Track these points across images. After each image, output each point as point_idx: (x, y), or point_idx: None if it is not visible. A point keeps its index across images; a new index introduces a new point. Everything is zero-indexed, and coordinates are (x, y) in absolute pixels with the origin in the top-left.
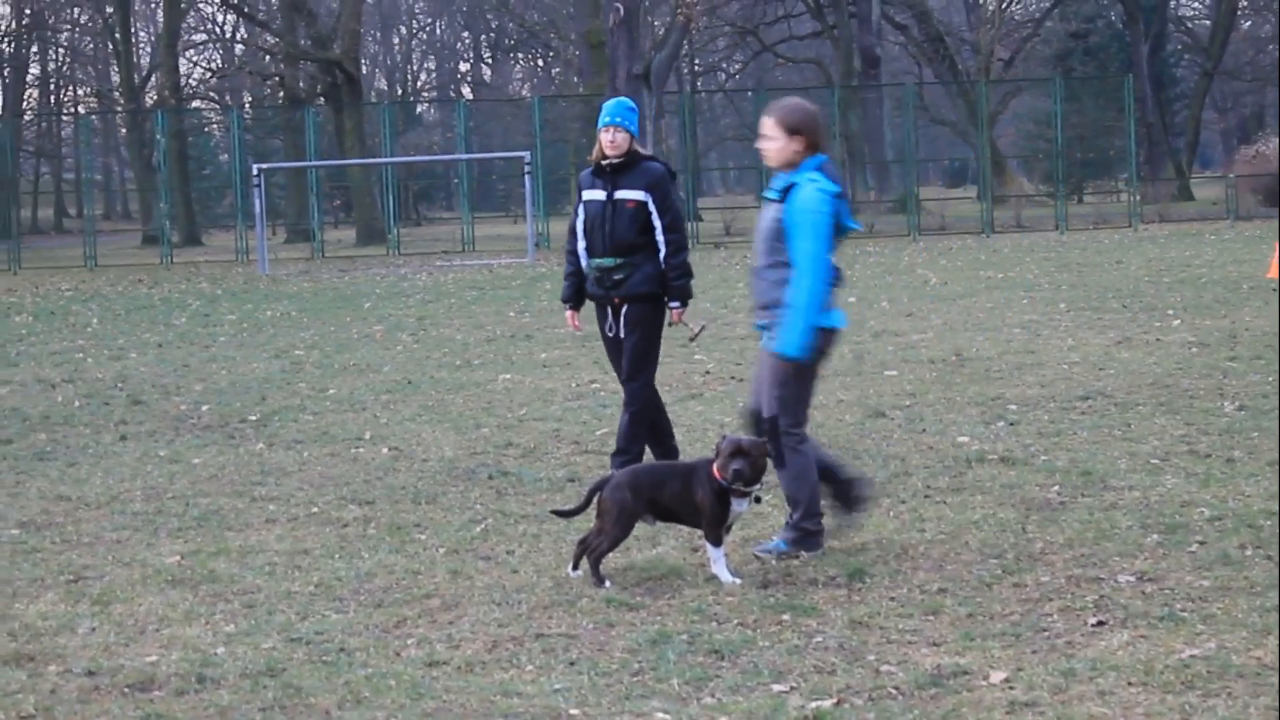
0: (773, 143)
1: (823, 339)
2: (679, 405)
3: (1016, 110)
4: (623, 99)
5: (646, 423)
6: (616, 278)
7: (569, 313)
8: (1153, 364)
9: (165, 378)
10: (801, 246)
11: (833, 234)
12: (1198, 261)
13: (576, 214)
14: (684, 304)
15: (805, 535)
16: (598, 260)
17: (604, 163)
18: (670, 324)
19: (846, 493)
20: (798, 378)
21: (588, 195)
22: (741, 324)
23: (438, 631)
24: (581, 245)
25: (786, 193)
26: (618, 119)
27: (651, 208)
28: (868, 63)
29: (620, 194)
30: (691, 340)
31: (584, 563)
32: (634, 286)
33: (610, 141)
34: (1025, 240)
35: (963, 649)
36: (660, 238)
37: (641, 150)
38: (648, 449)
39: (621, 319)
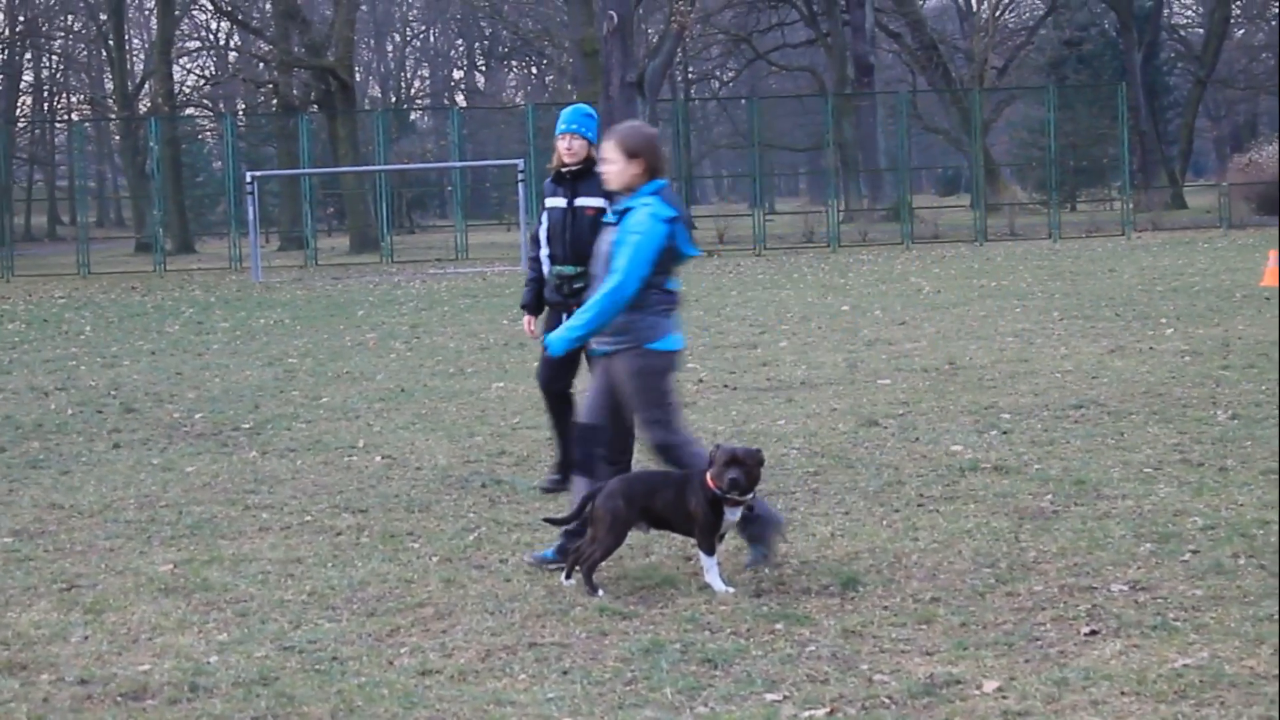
0: (612, 165)
1: (664, 361)
2: None
3: (1010, 118)
4: (580, 106)
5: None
6: (576, 285)
7: (527, 318)
8: (1146, 373)
9: (158, 385)
10: (619, 263)
11: (665, 258)
12: (1191, 270)
13: (540, 222)
14: None
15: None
16: (559, 268)
17: (563, 170)
18: None
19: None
20: (662, 394)
21: (549, 203)
22: (735, 332)
23: (431, 640)
24: (544, 253)
25: (624, 215)
26: (574, 126)
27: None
28: (861, 70)
29: (580, 201)
30: None
31: (577, 571)
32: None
33: (567, 149)
34: (1018, 248)
35: (956, 658)
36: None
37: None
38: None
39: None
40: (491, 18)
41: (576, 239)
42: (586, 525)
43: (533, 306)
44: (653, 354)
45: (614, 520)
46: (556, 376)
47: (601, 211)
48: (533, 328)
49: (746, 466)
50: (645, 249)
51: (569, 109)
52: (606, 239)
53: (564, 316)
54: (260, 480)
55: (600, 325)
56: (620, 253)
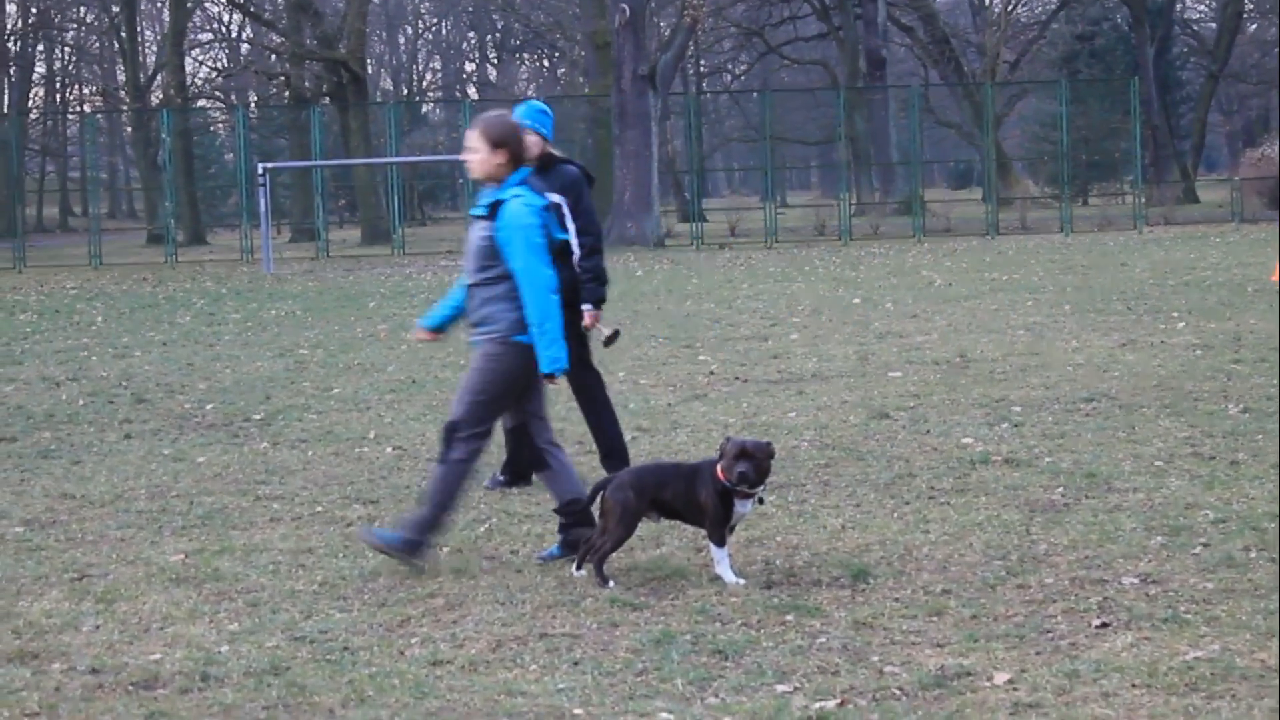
0: (476, 155)
1: (521, 356)
2: (683, 405)
3: (1022, 112)
4: (534, 102)
5: (610, 410)
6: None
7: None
8: (1157, 366)
9: (169, 376)
10: (518, 264)
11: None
12: (1202, 264)
13: None
14: (597, 306)
15: (411, 546)
16: None
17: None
18: (585, 328)
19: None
20: (498, 389)
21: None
22: (746, 325)
23: (441, 631)
24: None
25: (494, 209)
26: (529, 122)
27: (566, 210)
28: (873, 64)
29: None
30: (605, 345)
31: (588, 563)
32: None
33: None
34: (1030, 242)
35: (966, 650)
36: (574, 240)
37: (556, 153)
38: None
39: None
40: (503, 10)
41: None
42: (574, 517)
43: None
44: (515, 346)
45: (624, 511)
46: None
47: (556, 206)
48: None
49: (756, 460)
50: (534, 238)
51: (522, 105)
52: (477, 231)
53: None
54: (271, 471)
55: (555, 321)
56: (514, 253)
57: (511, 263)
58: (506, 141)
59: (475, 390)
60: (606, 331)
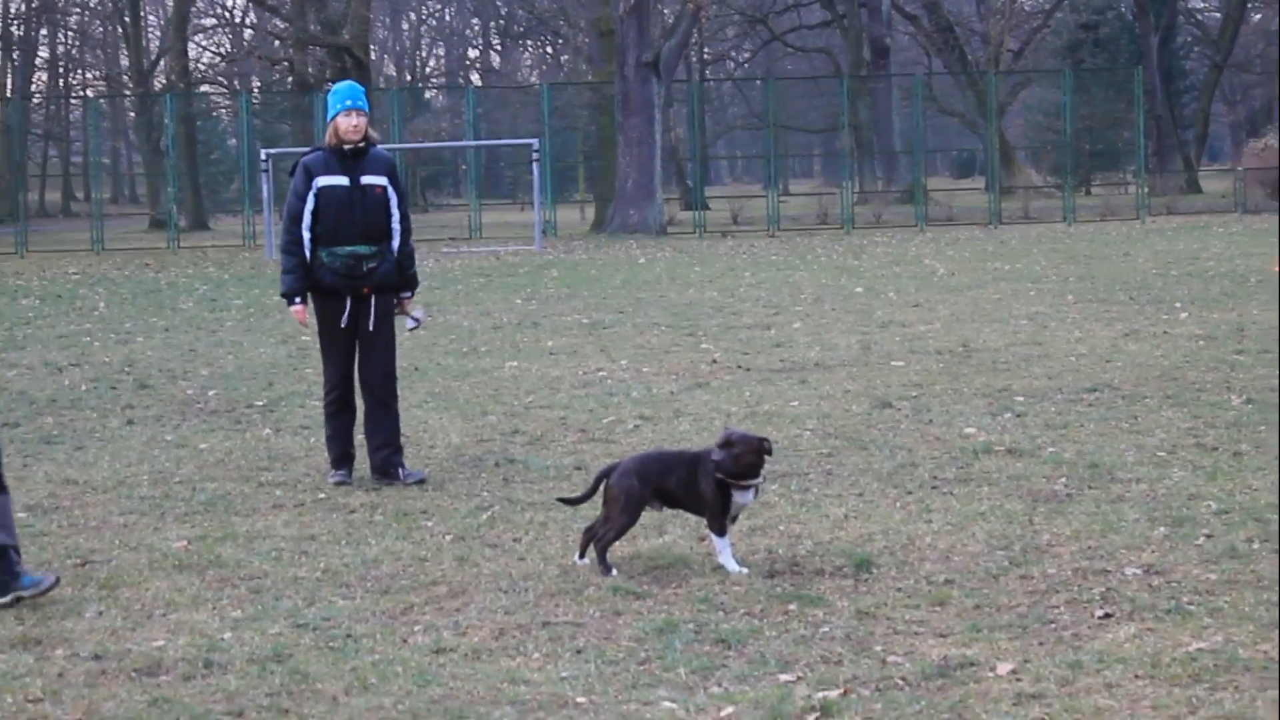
0: None
1: None
2: (685, 394)
3: (1025, 101)
4: (354, 83)
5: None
6: (369, 266)
7: (299, 307)
8: (1160, 357)
9: (172, 362)
10: None
11: None
12: (1205, 254)
13: (304, 201)
14: (412, 293)
15: None
16: (349, 248)
17: (346, 148)
18: (397, 313)
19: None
20: None
21: (326, 181)
22: (749, 313)
23: (444, 618)
24: (312, 234)
25: None
26: (359, 103)
27: (390, 194)
28: (877, 53)
29: (366, 179)
30: (411, 331)
31: (591, 551)
32: (385, 275)
33: (353, 126)
34: (1033, 232)
35: (969, 640)
36: (396, 225)
37: (374, 135)
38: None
39: (372, 310)
40: None
41: (369, 218)
42: None
43: (304, 294)
44: None
45: (628, 499)
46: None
47: (385, 190)
48: (306, 316)
49: (735, 451)
50: None
51: (345, 85)
52: None
53: (347, 301)
54: (274, 457)
55: None
56: None
57: None
58: None
59: None
60: (422, 316)
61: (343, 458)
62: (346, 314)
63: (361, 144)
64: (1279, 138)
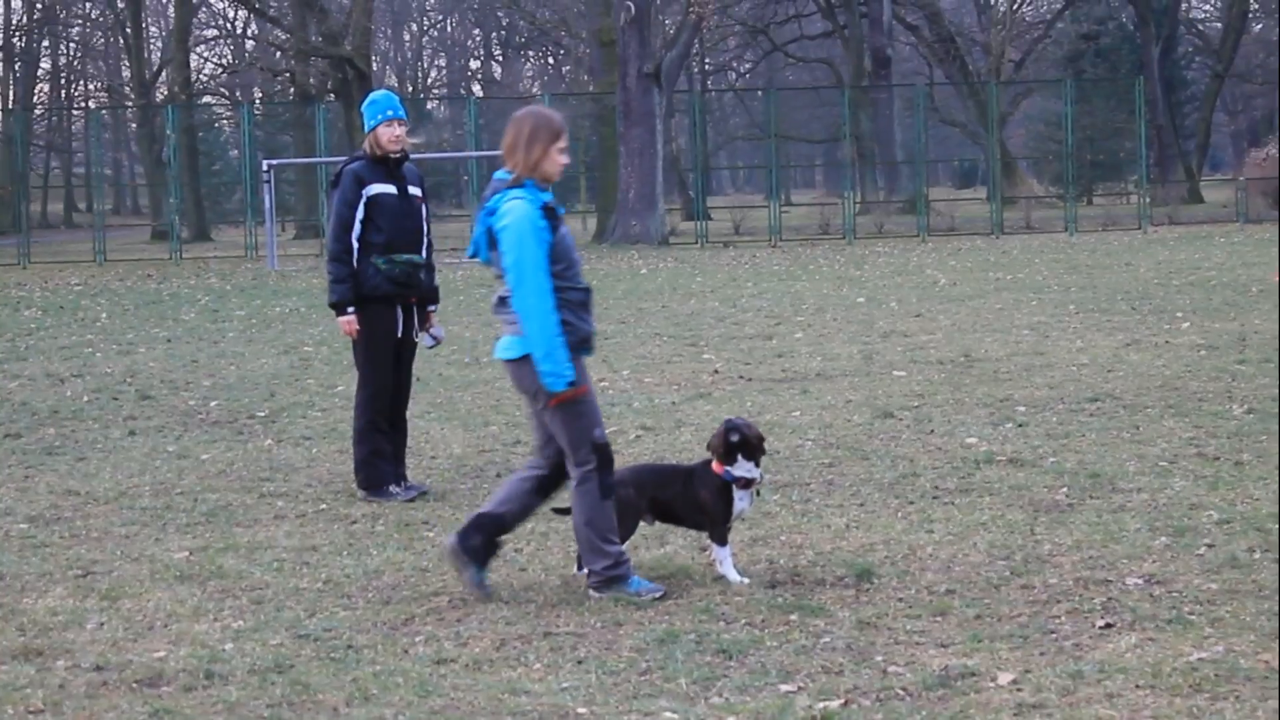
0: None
1: None
2: (687, 404)
3: (1027, 111)
4: (389, 93)
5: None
6: (422, 275)
7: (351, 317)
8: (1161, 366)
9: (174, 373)
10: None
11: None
12: (1207, 264)
13: (355, 210)
14: (437, 306)
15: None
16: (407, 256)
17: (393, 156)
18: (426, 328)
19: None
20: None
21: (377, 189)
22: (750, 323)
23: (446, 629)
24: (356, 243)
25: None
26: (399, 112)
27: (425, 205)
28: (878, 63)
29: (412, 189)
30: (430, 349)
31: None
32: (430, 283)
33: (395, 136)
34: (1034, 242)
35: (970, 650)
36: (430, 237)
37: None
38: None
39: (415, 319)
40: (509, 7)
41: (417, 227)
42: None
43: (355, 302)
44: None
45: (624, 509)
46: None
47: (423, 200)
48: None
49: (748, 428)
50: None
51: (382, 94)
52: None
53: (399, 310)
54: (275, 468)
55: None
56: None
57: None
58: None
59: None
60: (440, 334)
61: (399, 476)
62: (399, 323)
63: (401, 154)
64: None
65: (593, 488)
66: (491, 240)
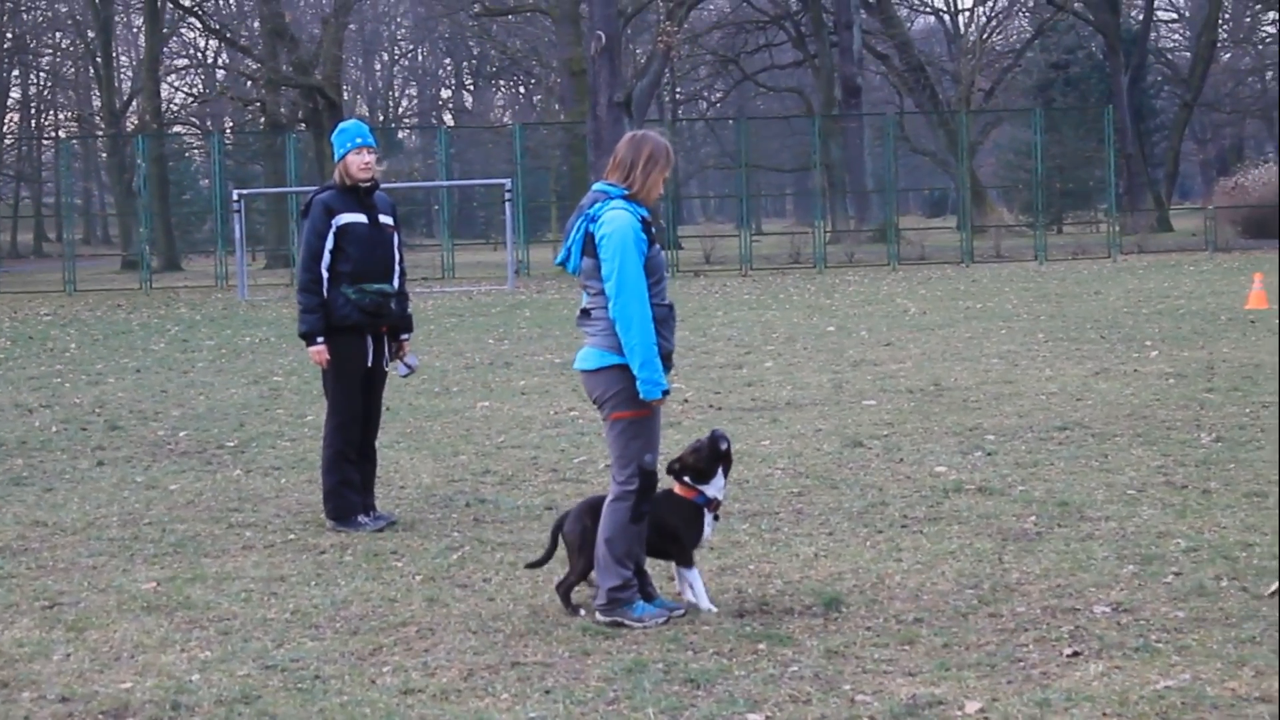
0: None
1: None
2: None
3: (997, 140)
4: (359, 121)
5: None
6: (394, 305)
7: (321, 347)
8: (1130, 395)
9: (143, 403)
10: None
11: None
12: (1176, 292)
13: (324, 239)
14: (409, 335)
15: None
16: (377, 285)
17: (363, 185)
18: (398, 357)
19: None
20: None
21: (346, 219)
22: (721, 352)
23: (413, 659)
24: (329, 272)
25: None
26: (369, 140)
27: (396, 234)
28: (849, 92)
29: (384, 218)
30: (404, 377)
31: (574, 597)
32: (403, 312)
33: (365, 164)
34: (1004, 270)
35: (938, 679)
36: (402, 266)
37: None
38: None
39: (386, 348)
40: (480, 37)
41: (387, 256)
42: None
43: (324, 332)
44: None
45: (584, 541)
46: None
47: (394, 229)
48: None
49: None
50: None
51: (352, 123)
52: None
53: (369, 339)
54: (244, 498)
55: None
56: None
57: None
58: None
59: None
60: (413, 363)
61: (368, 506)
62: (370, 352)
63: (371, 182)
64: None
65: (625, 508)
66: (585, 246)
